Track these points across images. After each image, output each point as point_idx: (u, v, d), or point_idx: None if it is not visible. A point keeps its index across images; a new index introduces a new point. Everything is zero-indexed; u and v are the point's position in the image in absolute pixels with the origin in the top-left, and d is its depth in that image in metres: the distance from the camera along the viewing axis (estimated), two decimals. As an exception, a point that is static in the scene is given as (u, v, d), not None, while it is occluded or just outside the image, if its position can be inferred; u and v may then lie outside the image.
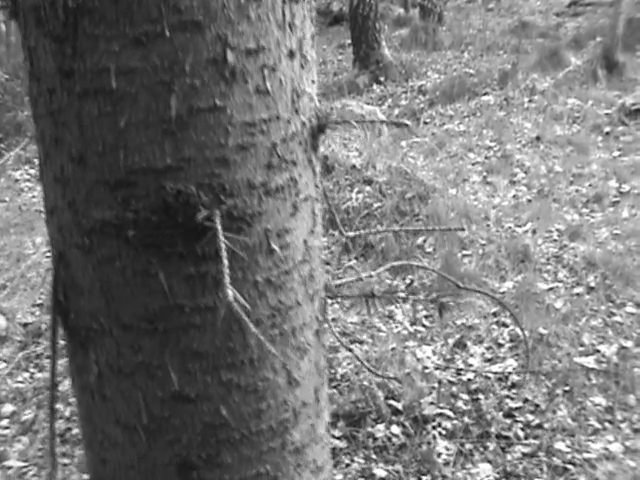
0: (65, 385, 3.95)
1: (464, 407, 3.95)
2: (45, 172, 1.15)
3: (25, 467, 3.74)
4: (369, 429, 3.77)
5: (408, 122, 1.60)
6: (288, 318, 1.20)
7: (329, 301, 1.35)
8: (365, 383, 3.96)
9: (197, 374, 1.14)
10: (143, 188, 1.05)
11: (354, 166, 6.20)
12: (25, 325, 4.93)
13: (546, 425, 3.84)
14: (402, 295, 2.05)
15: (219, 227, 1.01)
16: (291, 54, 1.13)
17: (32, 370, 4.54)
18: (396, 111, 9.79)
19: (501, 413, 3.92)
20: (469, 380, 4.14)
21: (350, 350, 1.70)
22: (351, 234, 1.58)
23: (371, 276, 1.44)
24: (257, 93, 1.08)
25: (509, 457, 3.69)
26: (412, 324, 4.70)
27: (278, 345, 1.19)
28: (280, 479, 1.27)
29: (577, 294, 4.87)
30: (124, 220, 1.06)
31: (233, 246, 1.08)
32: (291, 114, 1.14)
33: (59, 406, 4.11)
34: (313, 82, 1.24)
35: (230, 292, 0.94)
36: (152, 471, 1.21)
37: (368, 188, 5.94)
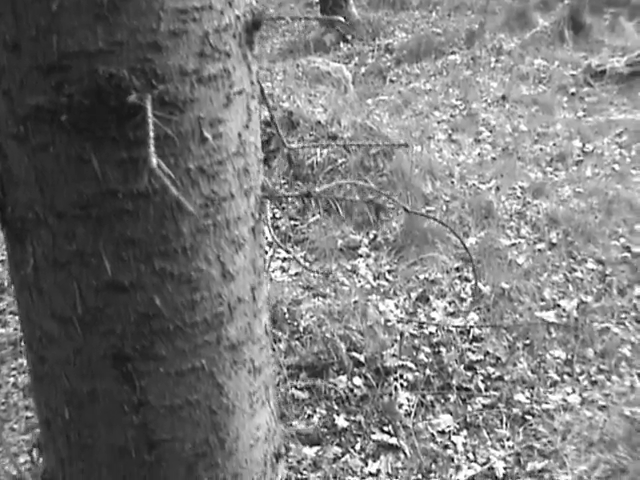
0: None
1: (426, 359, 3.97)
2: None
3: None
4: (331, 380, 3.78)
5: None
6: (222, 209, 1.20)
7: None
8: (327, 335, 3.96)
9: (131, 262, 1.14)
10: (76, 72, 1.04)
11: (319, 122, 6.13)
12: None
13: (506, 377, 3.88)
14: (338, 196, 2.03)
15: (149, 109, 1.00)
16: None
17: (-8, 325, 4.47)
18: (363, 69, 9.71)
19: (462, 366, 3.95)
20: (431, 333, 4.16)
21: (288, 251, 1.65)
22: (294, 146, 1.56)
23: (310, 194, 1.42)
24: None
25: (469, 408, 3.72)
26: (375, 278, 4.70)
27: (211, 236, 1.19)
28: (216, 375, 1.28)
29: (539, 250, 4.90)
30: (58, 105, 1.06)
31: (165, 132, 1.08)
32: (224, 6, 1.14)
33: (22, 361, 4.07)
34: None
35: (154, 160, 0.93)
36: (88, 365, 1.21)
37: (333, 144, 5.89)
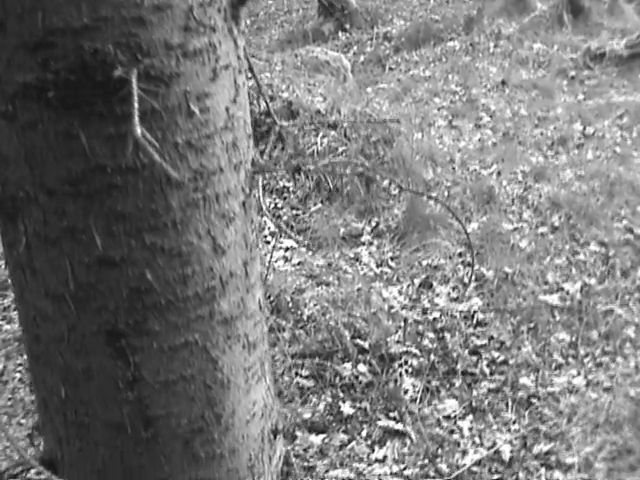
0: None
1: (430, 345, 3.97)
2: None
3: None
4: (336, 368, 3.78)
5: None
6: (211, 183, 1.20)
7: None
8: (331, 323, 3.96)
9: (121, 237, 1.14)
10: (62, 48, 1.04)
11: (319, 111, 6.12)
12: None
13: (511, 361, 3.88)
14: (325, 162, 2.02)
15: (134, 82, 1.01)
16: None
17: (0, 322, 4.48)
18: (361, 58, 9.70)
19: (467, 350, 3.95)
20: (435, 319, 4.16)
21: (290, 236, 1.62)
22: (285, 124, 1.57)
23: (299, 168, 1.44)
24: None
25: (475, 393, 3.73)
26: (378, 265, 4.70)
27: (201, 210, 1.19)
28: (210, 349, 1.28)
29: (541, 234, 4.90)
30: (45, 81, 1.06)
31: (152, 107, 1.08)
32: None
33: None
34: None
35: (138, 129, 0.94)
36: (82, 342, 1.22)
37: (333, 132, 5.87)
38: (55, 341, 1.24)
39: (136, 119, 0.95)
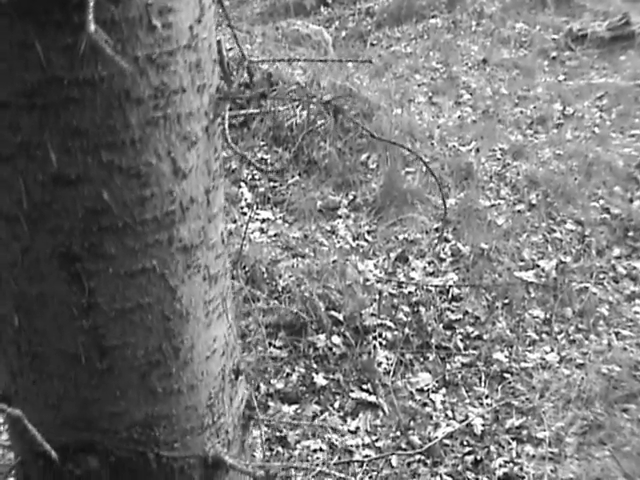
0: None
1: (405, 319, 3.96)
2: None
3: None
4: (310, 339, 3.76)
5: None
6: (172, 102, 1.15)
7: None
8: (306, 294, 3.94)
9: (77, 154, 1.10)
10: None
11: (298, 83, 6.07)
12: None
13: (485, 336, 3.89)
14: (295, 97, 1.99)
15: None
16: None
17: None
18: (343, 33, 9.61)
19: (441, 325, 3.96)
20: (410, 293, 4.16)
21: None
22: (254, 59, 1.52)
23: (265, 95, 1.40)
24: None
25: (448, 367, 3.73)
26: (354, 239, 4.68)
27: (161, 130, 1.15)
28: (168, 277, 1.24)
29: (518, 211, 4.90)
30: None
31: (112, 17, 1.04)
32: None
33: None
34: None
35: (92, 26, 0.89)
36: (36, 266, 1.18)
37: (312, 106, 5.83)
38: (8, 266, 1.20)
39: (91, 15, 0.90)
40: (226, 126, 1.28)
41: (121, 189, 1.14)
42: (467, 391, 3.59)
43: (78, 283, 1.18)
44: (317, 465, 3.12)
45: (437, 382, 3.64)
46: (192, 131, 1.21)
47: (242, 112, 2.27)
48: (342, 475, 3.01)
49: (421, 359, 3.77)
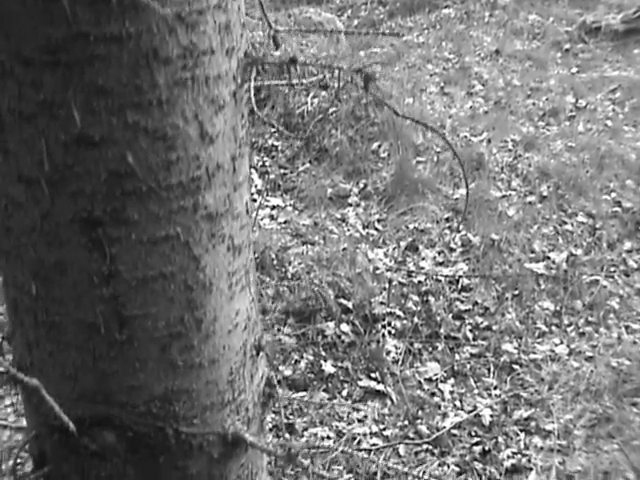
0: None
1: (414, 308, 3.95)
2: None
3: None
4: (319, 326, 3.75)
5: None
6: (201, 63, 1.12)
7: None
8: (316, 282, 3.92)
9: (102, 114, 1.06)
10: None
11: (319, 60, 6.06)
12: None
13: (494, 327, 3.88)
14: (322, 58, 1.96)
15: None
16: None
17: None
18: (355, 22, 9.57)
19: (451, 315, 3.94)
20: (420, 282, 4.14)
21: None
22: (280, 28, 1.50)
23: (295, 60, 1.38)
24: None
25: (457, 357, 3.72)
26: (364, 227, 4.66)
27: (189, 91, 1.11)
28: (192, 246, 1.20)
29: (529, 202, 4.87)
30: None
31: None
32: None
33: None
34: None
35: None
36: (55, 231, 1.14)
37: (324, 93, 5.81)
38: (27, 232, 1.16)
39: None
40: (252, 94, 1.25)
41: (146, 152, 1.10)
42: (476, 382, 3.58)
43: (99, 250, 1.14)
44: (335, 450, 3.10)
45: (446, 372, 3.63)
46: (220, 95, 1.17)
47: (267, 82, 2.24)
48: (363, 455, 2.99)
49: (430, 349, 3.76)
